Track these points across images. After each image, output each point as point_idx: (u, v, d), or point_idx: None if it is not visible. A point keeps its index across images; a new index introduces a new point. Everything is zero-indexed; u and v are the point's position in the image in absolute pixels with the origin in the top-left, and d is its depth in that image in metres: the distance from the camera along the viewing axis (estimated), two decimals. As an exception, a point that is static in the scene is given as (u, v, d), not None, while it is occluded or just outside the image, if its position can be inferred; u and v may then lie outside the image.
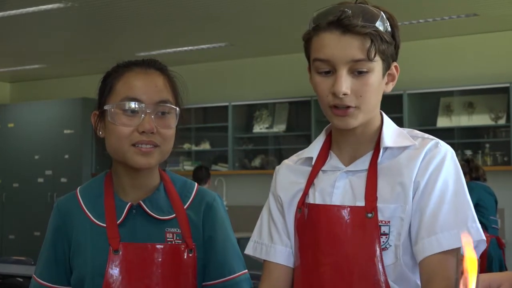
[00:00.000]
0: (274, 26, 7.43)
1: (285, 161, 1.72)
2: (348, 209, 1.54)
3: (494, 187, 6.54)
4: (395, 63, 1.59)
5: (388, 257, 1.51)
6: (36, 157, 9.85)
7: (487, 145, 7.71)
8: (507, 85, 7.44)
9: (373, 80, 1.52)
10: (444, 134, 7.40)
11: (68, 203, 1.78)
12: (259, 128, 8.96)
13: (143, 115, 1.67)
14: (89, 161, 9.52)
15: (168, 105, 1.70)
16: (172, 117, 1.71)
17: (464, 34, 7.85)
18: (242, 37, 8.10)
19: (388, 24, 1.55)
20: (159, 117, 1.68)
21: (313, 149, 1.66)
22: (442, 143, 1.56)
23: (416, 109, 7.93)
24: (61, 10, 6.76)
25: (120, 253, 1.68)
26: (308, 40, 1.57)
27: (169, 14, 6.98)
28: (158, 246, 1.69)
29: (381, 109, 1.62)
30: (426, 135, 1.59)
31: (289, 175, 1.68)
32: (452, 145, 1.59)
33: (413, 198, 1.51)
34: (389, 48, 1.54)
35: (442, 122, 7.85)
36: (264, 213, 1.71)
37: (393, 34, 1.56)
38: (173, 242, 1.70)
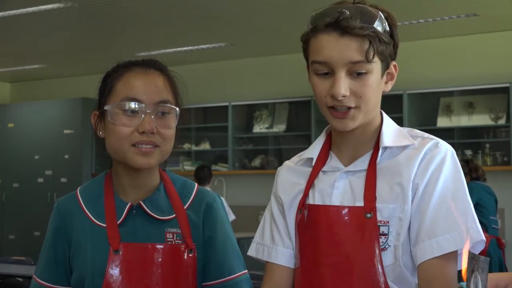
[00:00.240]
0: (274, 26, 7.43)
1: (286, 162, 1.72)
2: (347, 209, 1.54)
3: (494, 187, 6.54)
4: (394, 62, 1.58)
5: (387, 258, 1.51)
6: (36, 157, 9.85)
7: (487, 145, 7.71)
8: (507, 85, 7.44)
9: (372, 81, 1.51)
10: (444, 134, 7.40)
11: (68, 203, 1.78)
12: (259, 128, 8.96)
13: (143, 115, 1.67)
14: (89, 161, 9.52)
15: (168, 105, 1.70)
16: (172, 117, 1.71)
17: (464, 34, 7.85)
18: (242, 37, 8.11)
19: (387, 24, 1.54)
20: (159, 117, 1.68)
21: (313, 150, 1.65)
22: (442, 143, 1.55)
23: (416, 109, 7.93)
24: (61, 10, 6.76)
25: (120, 253, 1.68)
26: (306, 41, 1.57)
27: (169, 14, 6.98)
28: (158, 246, 1.69)
29: (381, 109, 1.62)
30: (426, 135, 1.59)
31: (290, 177, 1.68)
32: (452, 145, 1.58)
33: (412, 198, 1.51)
34: (387, 48, 1.53)
35: (442, 122, 7.85)
36: (266, 215, 1.71)
37: (391, 34, 1.55)
38: (173, 242, 1.70)
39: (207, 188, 7.09)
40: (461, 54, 7.92)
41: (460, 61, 7.92)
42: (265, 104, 8.94)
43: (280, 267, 1.65)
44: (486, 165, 7.52)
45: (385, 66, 1.55)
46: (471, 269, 1.02)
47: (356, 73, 1.50)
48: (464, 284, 1.08)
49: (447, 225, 1.47)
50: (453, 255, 1.47)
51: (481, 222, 1.52)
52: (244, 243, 7.02)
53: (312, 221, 1.57)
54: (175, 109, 1.72)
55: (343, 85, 1.49)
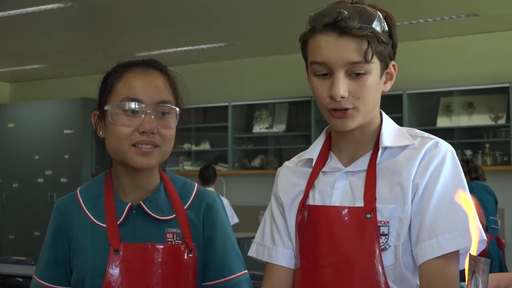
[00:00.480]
0: (274, 26, 7.43)
1: (286, 163, 1.72)
2: (347, 210, 1.54)
3: (494, 187, 6.54)
4: (393, 62, 1.58)
5: (388, 258, 1.50)
6: (36, 157, 9.85)
7: (487, 145, 7.71)
8: (507, 85, 7.44)
9: (371, 81, 1.51)
10: (444, 134, 7.39)
11: (68, 203, 1.78)
12: (259, 128, 8.96)
13: (143, 115, 1.67)
14: (89, 161, 9.52)
15: (168, 105, 1.70)
16: (172, 117, 1.71)
17: (464, 34, 7.85)
18: (242, 37, 8.10)
19: (385, 23, 1.53)
20: (159, 117, 1.68)
21: (313, 150, 1.65)
22: (442, 142, 1.55)
23: (416, 109, 7.93)
24: (61, 10, 6.76)
25: (121, 253, 1.68)
26: (304, 42, 1.56)
27: (169, 14, 6.98)
28: (158, 246, 1.69)
29: (381, 109, 1.62)
30: (426, 134, 1.58)
31: (290, 177, 1.68)
32: (452, 145, 1.58)
33: (412, 198, 1.51)
34: (386, 48, 1.53)
35: (442, 122, 7.85)
36: (266, 215, 1.71)
37: (390, 34, 1.55)
38: (173, 242, 1.70)
39: (211, 188, 7.06)
40: (461, 54, 7.92)
41: (460, 61, 7.92)
42: (265, 104, 8.94)
43: (280, 268, 1.65)
44: (486, 165, 7.51)
45: (384, 66, 1.55)
46: (471, 271, 1.02)
47: (354, 74, 1.50)
48: (464, 284, 1.08)
49: (447, 224, 1.47)
50: (454, 255, 1.47)
51: (481, 222, 1.52)
52: (244, 243, 7.02)
53: (312, 222, 1.57)
54: (175, 109, 1.71)
55: (342, 86, 1.49)
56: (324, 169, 1.62)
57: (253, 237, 1.73)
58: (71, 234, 1.74)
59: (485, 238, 1.49)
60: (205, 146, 9.29)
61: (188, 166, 9.20)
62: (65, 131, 9.63)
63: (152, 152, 1.68)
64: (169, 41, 8.26)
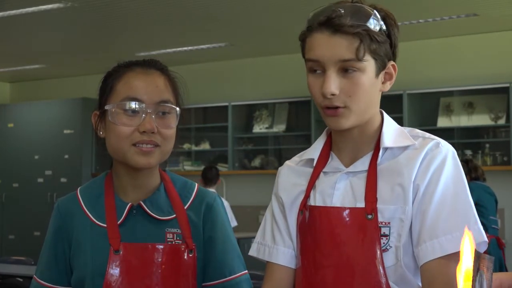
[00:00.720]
0: (274, 26, 7.43)
1: (287, 163, 1.72)
2: (348, 210, 1.54)
3: (494, 187, 6.54)
4: (392, 62, 1.57)
5: (389, 259, 1.50)
6: (36, 157, 9.85)
7: (487, 145, 7.71)
8: (507, 85, 7.44)
9: (363, 80, 1.51)
10: (444, 134, 7.39)
11: (68, 203, 1.78)
12: (259, 128, 8.96)
13: (143, 115, 1.67)
14: (89, 161, 9.52)
15: (169, 105, 1.70)
16: (173, 117, 1.71)
17: (464, 34, 7.85)
18: (242, 37, 8.11)
19: (383, 23, 1.53)
20: (159, 117, 1.68)
21: (314, 151, 1.65)
22: (443, 143, 1.55)
23: (416, 109, 7.93)
24: (61, 10, 6.76)
25: (121, 253, 1.68)
26: (303, 41, 1.57)
27: (169, 14, 6.98)
28: (158, 246, 1.69)
29: (381, 109, 1.62)
30: (427, 135, 1.58)
31: (291, 177, 1.68)
32: (452, 145, 1.57)
33: (413, 199, 1.51)
34: (382, 47, 1.52)
35: (442, 122, 7.85)
36: (267, 215, 1.71)
37: (388, 33, 1.55)
38: (173, 243, 1.70)
39: (212, 189, 7.03)
40: (461, 54, 7.92)
41: (460, 61, 7.92)
42: (265, 104, 8.94)
43: (281, 267, 1.65)
44: (486, 165, 7.52)
45: (381, 66, 1.54)
46: (476, 268, 1.02)
47: (347, 72, 1.50)
48: None
49: (448, 225, 1.47)
50: (456, 255, 1.46)
51: (481, 222, 1.52)
52: (244, 243, 7.02)
53: (313, 223, 1.57)
54: (176, 109, 1.71)
55: (333, 83, 1.49)
56: (325, 169, 1.62)
57: (253, 237, 1.74)
58: (71, 234, 1.74)
59: (486, 239, 1.49)
60: (205, 146, 9.29)
61: (188, 166, 9.20)
62: (65, 131, 9.64)
63: (152, 151, 1.68)
64: (169, 41, 8.26)
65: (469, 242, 0.98)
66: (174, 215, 1.73)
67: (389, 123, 1.61)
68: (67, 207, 1.77)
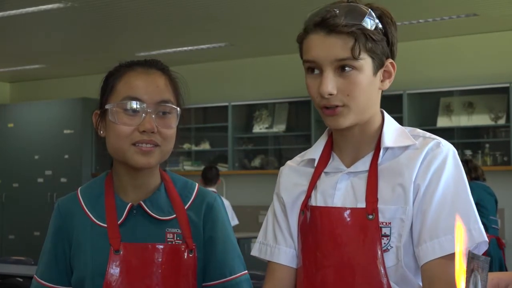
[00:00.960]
0: (274, 26, 7.43)
1: (288, 163, 1.72)
2: (349, 211, 1.54)
3: (494, 187, 6.54)
4: (390, 60, 1.57)
5: (390, 259, 1.50)
6: (36, 157, 9.85)
7: (487, 145, 7.71)
8: (507, 85, 7.44)
9: (361, 78, 1.51)
10: (444, 134, 7.35)
11: (68, 203, 1.78)
12: (259, 128, 8.96)
13: (144, 115, 1.67)
14: (89, 161, 9.52)
15: (169, 105, 1.70)
16: (173, 117, 1.71)
17: (464, 34, 7.85)
18: (242, 37, 8.11)
19: (379, 21, 1.53)
20: (160, 117, 1.68)
21: (316, 151, 1.65)
22: (444, 143, 1.54)
23: (416, 109, 7.93)
24: (61, 10, 6.76)
25: (121, 253, 1.68)
26: (300, 42, 1.58)
27: (169, 14, 6.98)
28: (158, 246, 1.69)
29: (381, 108, 1.62)
30: (428, 134, 1.58)
31: (292, 177, 1.68)
32: (452, 145, 1.58)
33: (414, 199, 1.51)
34: (378, 46, 1.52)
35: (442, 122, 7.85)
36: (269, 214, 1.72)
37: (385, 31, 1.55)
38: (174, 243, 1.70)
39: (213, 189, 7.01)
40: (461, 54, 7.92)
41: (460, 61, 7.92)
42: (265, 104, 8.95)
43: (282, 267, 1.65)
44: (486, 165, 7.52)
45: (378, 64, 1.54)
46: (470, 269, 1.02)
47: (343, 71, 1.50)
48: None
49: (448, 225, 1.47)
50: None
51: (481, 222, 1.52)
52: (244, 243, 7.02)
53: (314, 223, 1.57)
54: (176, 109, 1.71)
55: (330, 83, 1.50)
56: (326, 169, 1.62)
57: (253, 237, 1.74)
58: (71, 234, 1.74)
59: (487, 239, 1.49)
60: (205, 146, 9.29)
61: (188, 166, 9.20)
62: (65, 131, 9.63)
63: (152, 151, 1.68)
64: (169, 41, 8.26)
65: (460, 237, 0.98)
66: (175, 215, 1.73)
67: (389, 122, 1.61)
68: (67, 207, 1.77)
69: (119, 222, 1.70)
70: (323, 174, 1.62)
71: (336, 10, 1.50)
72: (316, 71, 1.53)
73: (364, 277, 1.50)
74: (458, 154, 1.57)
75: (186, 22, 7.28)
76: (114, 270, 1.67)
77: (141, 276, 1.67)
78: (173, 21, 7.25)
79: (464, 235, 1.00)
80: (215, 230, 1.76)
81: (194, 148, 9.29)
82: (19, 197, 9.99)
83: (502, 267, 6.26)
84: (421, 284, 1.51)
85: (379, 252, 1.50)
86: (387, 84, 1.58)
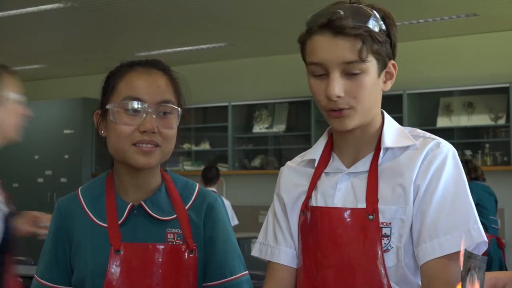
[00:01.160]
0: (274, 26, 7.43)
1: (289, 163, 1.72)
2: (349, 211, 1.54)
3: (494, 187, 6.54)
4: (392, 61, 1.57)
5: (390, 259, 1.50)
6: (36, 157, 9.85)
7: (487, 145, 7.71)
8: (507, 85, 7.44)
9: (367, 80, 1.51)
10: (444, 134, 7.38)
11: (69, 203, 1.78)
12: (259, 128, 8.96)
13: (144, 115, 1.67)
14: (89, 161, 9.52)
15: (170, 105, 1.70)
16: (174, 117, 1.71)
17: (464, 34, 7.85)
18: (242, 37, 8.11)
19: (382, 22, 1.53)
20: (160, 117, 1.68)
21: (316, 151, 1.65)
22: (444, 143, 1.55)
23: (416, 109, 7.93)
24: (61, 10, 6.76)
25: (121, 253, 1.68)
26: (303, 43, 1.57)
27: (169, 14, 6.98)
28: (159, 247, 1.69)
29: (381, 108, 1.62)
30: (428, 134, 1.58)
31: (292, 177, 1.68)
32: (452, 145, 1.58)
33: (414, 199, 1.51)
34: (383, 47, 1.52)
35: (442, 122, 7.85)
36: (269, 215, 1.72)
37: (388, 33, 1.55)
38: (174, 243, 1.70)
39: (213, 188, 7.01)
40: (461, 54, 7.93)
41: (460, 61, 7.92)
42: (265, 104, 8.95)
43: (282, 267, 1.65)
44: (486, 165, 7.51)
45: (382, 66, 1.54)
46: (467, 268, 1.02)
47: (350, 73, 1.50)
48: None
49: (448, 225, 1.47)
50: (456, 255, 1.46)
51: (481, 222, 1.52)
52: (244, 243, 7.01)
53: (315, 223, 1.57)
54: (177, 109, 1.71)
55: (337, 86, 1.49)
56: (326, 170, 1.62)
57: (253, 237, 1.74)
58: (72, 234, 1.74)
59: (486, 239, 1.49)
60: (205, 146, 9.29)
61: (188, 166, 9.20)
62: (65, 131, 9.63)
63: (152, 151, 1.67)
64: (169, 41, 8.26)
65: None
66: (175, 215, 1.73)
67: (389, 123, 1.61)
68: (67, 207, 1.77)
69: (119, 222, 1.70)
70: (323, 174, 1.62)
71: (340, 11, 1.49)
72: (321, 74, 1.52)
73: (364, 277, 1.50)
74: (458, 154, 1.57)
75: (186, 22, 7.28)
76: (115, 270, 1.67)
77: (142, 276, 1.67)
78: (173, 21, 7.25)
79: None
80: (216, 230, 1.76)
81: (194, 148, 9.29)
82: (19, 197, 9.97)
83: (502, 267, 6.26)
84: (420, 284, 1.51)
85: (380, 253, 1.50)
86: (389, 85, 1.59)
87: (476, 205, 1.54)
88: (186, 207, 1.76)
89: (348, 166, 1.60)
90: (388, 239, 1.50)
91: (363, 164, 1.57)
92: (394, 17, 1.58)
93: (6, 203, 2.42)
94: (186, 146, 9.19)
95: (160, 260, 1.68)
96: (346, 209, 1.54)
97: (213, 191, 1.88)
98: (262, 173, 8.79)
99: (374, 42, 1.50)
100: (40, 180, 9.81)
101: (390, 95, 6.95)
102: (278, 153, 8.92)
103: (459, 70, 7.89)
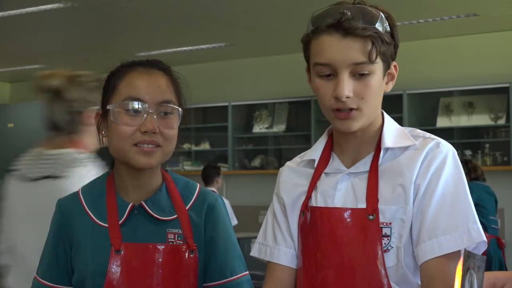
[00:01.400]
0: (274, 26, 7.43)
1: (288, 163, 1.72)
2: (349, 211, 1.54)
3: (493, 187, 6.54)
4: (394, 63, 1.58)
5: (390, 259, 1.50)
6: (36, 157, 9.83)
7: (487, 145, 7.71)
8: (507, 85, 7.44)
9: (374, 82, 1.51)
10: (444, 134, 7.38)
11: (69, 203, 1.78)
12: (259, 128, 8.96)
13: (145, 115, 1.67)
14: (89, 161, 9.50)
15: (171, 105, 1.70)
16: (175, 117, 1.71)
17: (464, 34, 7.85)
18: (242, 37, 8.11)
19: (387, 24, 1.54)
20: (161, 117, 1.68)
21: (315, 151, 1.65)
22: (443, 143, 1.55)
23: (416, 109, 7.93)
24: (61, 10, 6.76)
25: (122, 253, 1.68)
26: (307, 43, 1.56)
27: (169, 14, 6.98)
28: (159, 247, 1.69)
29: (381, 109, 1.62)
30: (428, 135, 1.58)
31: (292, 177, 1.68)
32: (452, 145, 1.58)
33: (414, 200, 1.51)
34: (389, 49, 1.53)
35: (442, 122, 7.85)
36: (268, 215, 1.72)
37: (392, 34, 1.55)
38: (175, 243, 1.70)
39: (213, 188, 7.01)
40: (461, 54, 7.93)
41: (460, 61, 7.92)
42: (265, 104, 8.95)
43: (282, 267, 1.65)
44: (486, 165, 7.51)
45: (386, 67, 1.55)
46: (466, 268, 1.02)
47: (359, 74, 1.50)
48: None
49: (447, 225, 1.47)
50: (455, 254, 1.47)
51: (481, 222, 1.52)
52: (244, 243, 7.01)
53: (315, 223, 1.57)
54: (178, 109, 1.71)
55: (347, 86, 1.49)
56: (326, 170, 1.62)
57: (253, 237, 1.74)
58: (72, 234, 1.74)
59: (485, 239, 1.49)
60: (205, 146, 9.29)
61: (188, 166, 9.20)
62: (65, 131, 9.62)
63: (153, 151, 1.67)
64: (169, 41, 8.26)
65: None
66: (176, 216, 1.73)
67: (389, 123, 1.61)
68: (68, 206, 1.77)
69: (120, 222, 1.70)
70: (323, 174, 1.62)
71: (348, 12, 1.49)
72: (328, 73, 1.51)
73: (364, 277, 1.51)
74: (458, 154, 1.57)
75: (186, 22, 7.28)
76: (115, 270, 1.67)
77: (142, 276, 1.67)
78: (173, 21, 7.25)
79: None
80: (216, 230, 1.76)
81: (194, 148, 9.29)
82: (19, 197, 9.97)
83: (502, 267, 6.26)
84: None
85: (380, 253, 1.50)
86: (390, 86, 1.59)
87: (476, 205, 1.54)
88: (187, 207, 1.76)
89: (348, 166, 1.60)
90: (388, 239, 1.51)
91: (363, 164, 1.58)
92: (394, 17, 1.58)
93: None
94: (186, 146, 9.19)
95: (160, 260, 1.68)
96: (346, 209, 1.54)
97: (213, 191, 1.88)
98: (262, 173, 8.79)
99: (382, 44, 1.50)
100: (40, 180, 9.80)
101: (390, 95, 6.88)
102: (278, 153, 8.92)
103: (459, 70, 7.89)
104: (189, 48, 8.52)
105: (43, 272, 1.77)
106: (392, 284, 1.50)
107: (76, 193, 1.80)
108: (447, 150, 1.54)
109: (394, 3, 5.01)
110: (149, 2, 6.55)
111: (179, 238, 1.71)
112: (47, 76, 2.59)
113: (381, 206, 1.52)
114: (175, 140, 1.72)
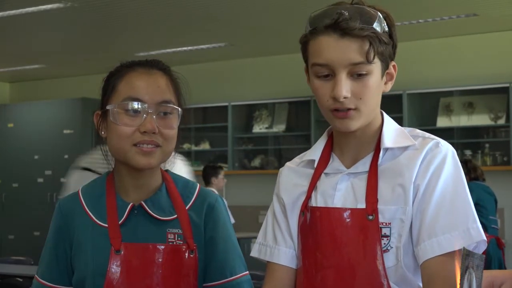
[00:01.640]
0: (274, 26, 7.43)
1: (288, 164, 1.72)
2: (349, 211, 1.54)
3: (493, 187, 6.54)
4: (393, 62, 1.58)
5: (389, 259, 1.51)
6: (36, 157, 9.85)
7: (487, 145, 7.71)
8: (507, 85, 7.44)
9: (372, 82, 1.51)
10: (444, 134, 7.39)
11: (69, 203, 1.78)
12: (258, 128, 8.97)
13: (145, 115, 1.67)
14: (89, 161, 9.50)
15: (170, 105, 1.70)
16: (175, 117, 1.71)
17: (464, 34, 7.85)
18: (242, 37, 8.11)
19: (385, 24, 1.54)
20: (161, 117, 1.68)
21: (315, 152, 1.65)
22: (443, 143, 1.55)
23: (416, 109, 7.94)
24: (61, 10, 6.76)
25: (122, 253, 1.68)
26: (305, 43, 1.56)
27: (169, 14, 6.98)
28: (159, 247, 1.69)
29: (381, 109, 1.62)
30: (427, 135, 1.58)
31: (292, 177, 1.68)
32: (451, 145, 1.58)
33: (413, 199, 1.51)
34: (387, 49, 1.53)
35: (442, 122, 7.85)
36: (268, 215, 1.72)
37: (390, 34, 1.55)
38: (175, 243, 1.70)
39: (213, 188, 7.02)
40: (461, 54, 7.93)
41: (460, 61, 7.93)
42: (264, 104, 8.95)
43: (282, 267, 1.65)
44: (486, 165, 7.52)
45: (385, 67, 1.55)
46: (465, 266, 1.02)
47: (356, 75, 1.50)
48: None
49: (447, 224, 1.47)
50: (456, 253, 1.47)
51: (480, 222, 1.52)
52: (244, 243, 7.02)
53: (314, 224, 1.57)
54: (178, 109, 1.71)
55: (345, 87, 1.49)
56: (326, 170, 1.62)
57: (253, 237, 1.75)
58: (72, 234, 1.74)
59: (485, 238, 1.49)
60: (205, 146, 9.29)
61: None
62: (64, 131, 9.63)
63: (153, 152, 1.68)
64: (169, 41, 8.26)
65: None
66: (176, 216, 1.73)
67: (389, 123, 1.61)
68: (68, 206, 1.77)
69: (120, 222, 1.71)
70: (323, 175, 1.62)
71: (345, 12, 1.49)
72: (325, 73, 1.51)
73: (364, 277, 1.51)
74: (458, 154, 1.57)
75: (186, 22, 7.28)
76: (115, 270, 1.67)
77: (142, 276, 1.67)
78: (173, 21, 7.26)
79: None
80: (216, 230, 1.76)
81: (194, 148, 9.29)
82: (19, 197, 9.98)
83: (501, 267, 6.27)
84: (420, 284, 1.51)
85: (379, 253, 1.50)
86: (389, 86, 1.59)
87: (476, 205, 1.54)
88: (187, 207, 1.76)
89: (348, 167, 1.60)
90: (387, 239, 1.51)
91: (363, 165, 1.58)
92: (394, 17, 1.58)
93: None
94: (186, 146, 9.19)
95: (160, 260, 1.68)
96: (345, 209, 1.54)
97: (212, 191, 1.88)
98: (262, 173, 8.80)
99: (380, 44, 1.50)
100: (40, 180, 9.81)
101: (390, 95, 6.91)
102: (278, 153, 8.92)
103: (459, 70, 7.89)
104: (189, 48, 8.53)
105: (43, 272, 1.77)
106: (392, 284, 1.50)
107: (76, 193, 1.80)
108: (447, 150, 1.54)
109: (393, 3, 5.01)
110: (149, 2, 6.55)
111: (179, 238, 1.71)
112: None
113: (380, 206, 1.52)
114: (175, 140, 1.72)
